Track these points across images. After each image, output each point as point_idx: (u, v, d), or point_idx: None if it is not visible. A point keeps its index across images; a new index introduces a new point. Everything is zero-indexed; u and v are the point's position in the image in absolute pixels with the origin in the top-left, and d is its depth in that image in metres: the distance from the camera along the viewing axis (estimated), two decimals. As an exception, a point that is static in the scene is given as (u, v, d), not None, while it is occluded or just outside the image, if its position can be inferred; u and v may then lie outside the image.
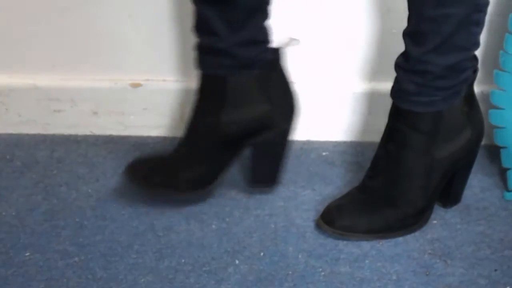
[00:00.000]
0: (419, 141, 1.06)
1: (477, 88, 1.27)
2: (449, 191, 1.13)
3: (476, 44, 1.03)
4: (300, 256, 1.06)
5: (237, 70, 1.09)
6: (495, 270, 1.02)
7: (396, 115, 1.07)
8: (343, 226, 1.07)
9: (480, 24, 1.02)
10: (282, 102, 1.14)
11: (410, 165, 1.07)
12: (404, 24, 1.04)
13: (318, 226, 1.10)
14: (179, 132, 1.24)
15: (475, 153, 1.12)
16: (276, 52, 1.11)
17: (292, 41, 1.13)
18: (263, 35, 1.09)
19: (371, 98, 1.31)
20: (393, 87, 1.08)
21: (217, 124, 1.11)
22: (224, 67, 1.08)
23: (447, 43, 1.00)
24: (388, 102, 1.09)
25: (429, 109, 1.05)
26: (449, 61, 1.02)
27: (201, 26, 1.07)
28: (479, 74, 1.28)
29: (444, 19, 0.98)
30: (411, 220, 1.09)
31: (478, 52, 1.26)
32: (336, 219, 1.07)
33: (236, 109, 1.11)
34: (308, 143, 1.33)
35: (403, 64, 1.05)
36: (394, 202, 1.08)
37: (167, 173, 1.13)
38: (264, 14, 1.08)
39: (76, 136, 1.37)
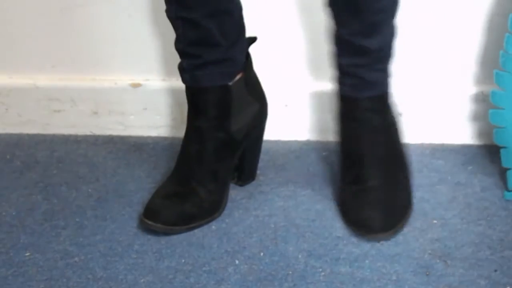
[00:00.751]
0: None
1: (477, 88, 1.28)
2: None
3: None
4: (300, 256, 1.06)
5: (235, 75, 1.11)
6: (495, 270, 1.02)
7: (361, 106, 1.10)
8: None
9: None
10: (263, 98, 1.17)
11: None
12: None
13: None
14: (179, 132, 1.25)
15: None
16: (248, 53, 1.14)
17: (253, 39, 1.16)
18: (247, 39, 1.13)
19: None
20: (350, 85, 1.09)
21: (227, 135, 1.12)
22: (228, 74, 1.10)
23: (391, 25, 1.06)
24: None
25: (386, 90, 1.11)
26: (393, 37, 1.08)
27: (204, 40, 1.07)
28: (479, 74, 1.28)
29: (394, 4, 1.04)
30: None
31: (478, 52, 1.27)
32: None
33: (239, 115, 1.13)
34: (308, 143, 1.33)
35: (361, 61, 1.07)
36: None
37: (191, 205, 1.11)
38: (243, 19, 1.11)
39: (76, 136, 1.37)
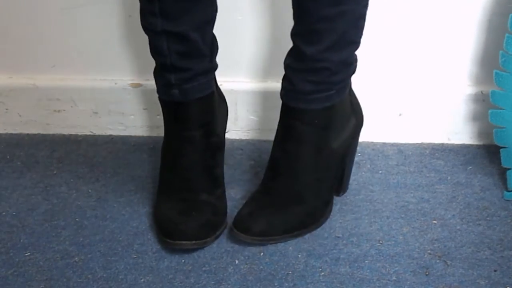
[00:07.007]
0: (317, 136, 1.06)
1: (477, 88, 1.28)
2: (341, 179, 1.15)
3: (361, 36, 1.04)
4: (300, 256, 1.06)
5: (215, 81, 1.11)
6: (495, 270, 1.02)
7: (290, 114, 1.07)
8: (260, 232, 1.06)
9: (365, 17, 1.02)
10: (223, 95, 1.18)
11: (310, 161, 1.07)
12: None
13: (234, 235, 1.07)
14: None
15: (358, 139, 1.14)
16: None
17: None
18: None
19: (371, 96, 1.31)
20: (284, 89, 1.07)
21: (214, 139, 1.11)
22: (212, 82, 1.09)
23: (341, 39, 1.00)
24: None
25: (325, 105, 1.05)
26: (343, 56, 1.02)
27: (191, 53, 1.05)
28: (479, 74, 1.28)
29: (341, 17, 0.98)
30: (320, 213, 1.10)
31: (478, 52, 1.26)
32: (251, 226, 1.06)
33: (219, 118, 1.13)
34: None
35: (295, 65, 1.03)
36: (302, 198, 1.08)
37: (209, 214, 1.09)
38: None
39: (76, 136, 1.37)
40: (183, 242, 1.05)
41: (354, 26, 1.01)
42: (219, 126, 1.13)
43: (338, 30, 0.99)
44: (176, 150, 1.10)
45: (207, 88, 1.08)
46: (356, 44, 1.03)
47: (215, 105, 1.11)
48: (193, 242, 1.05)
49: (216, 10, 1.06)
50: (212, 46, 1.08)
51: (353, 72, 1.07)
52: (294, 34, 1.02)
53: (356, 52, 1.05)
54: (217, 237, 1.08)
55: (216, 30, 1.09)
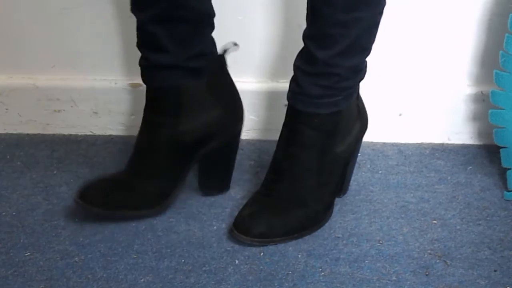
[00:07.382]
0: (322, 140, 1.07)
1: (477, 88, 1.28)
2: (342, 181, 1.15)
3: (373, 43, 1.04)
4: (299, 256, 1.06)
5: (189, 79, 1.09)
6: (495, 270, 1.02)
7: (296, 117, 1.07)
8: (260, 234, 1.06)
9: (378, 25, 1.02)
10: (231, 106, 1.15)
11: (314, 165, 1.07)
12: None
13: (234, 236, 1.07)
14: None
15: (361, 142, 1.14)
16: (221, 58, 1.12)
17: (233, 46, 1.13)
18: (209, 47, 1.10)
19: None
20: (292, 91, 1.07)
21: (175, 134, 1.10)
22: (176, 78, 1.08)
23: (354, 46, 1.00)
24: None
25: (332, 110, 1.05)
26: (354, 62, 1.02)
27: (149, 44, 1.06)
28: (479, 74, 1.28)
29: (355, 23, 0.98)
30: (321, 216, 1.10)
31: (478, 52, 1.26)
32: (251, 227, 1.06)
33: (191, 117, 1.10)
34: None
35: (306, 67, 1.03)
36: (304, 201, 1.08)
37: (124, 193, 1.11)
38: (210, 27, 1.09)
39: (76, 136, 1.37)
40: (80, 201, 1.08)
41: (368, 33, 1.01)
42: (186, 124, 1.10)
43: (351, 36, 0.99)
44: (139, 130, 1.13)
45: (170, 81, 1.08)
46: (368, 50, 1.04)
47: (180, 100, 1.09)
48: (82, 203, 1.09)
49: (194, 12, 1.05)
50: (188, 46, 1.06)
51: (362, 79, 1.07)
52: (307, 37, 1.02)
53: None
54: (117, 216, 1.11)
55: (216, 30, 1.09)
